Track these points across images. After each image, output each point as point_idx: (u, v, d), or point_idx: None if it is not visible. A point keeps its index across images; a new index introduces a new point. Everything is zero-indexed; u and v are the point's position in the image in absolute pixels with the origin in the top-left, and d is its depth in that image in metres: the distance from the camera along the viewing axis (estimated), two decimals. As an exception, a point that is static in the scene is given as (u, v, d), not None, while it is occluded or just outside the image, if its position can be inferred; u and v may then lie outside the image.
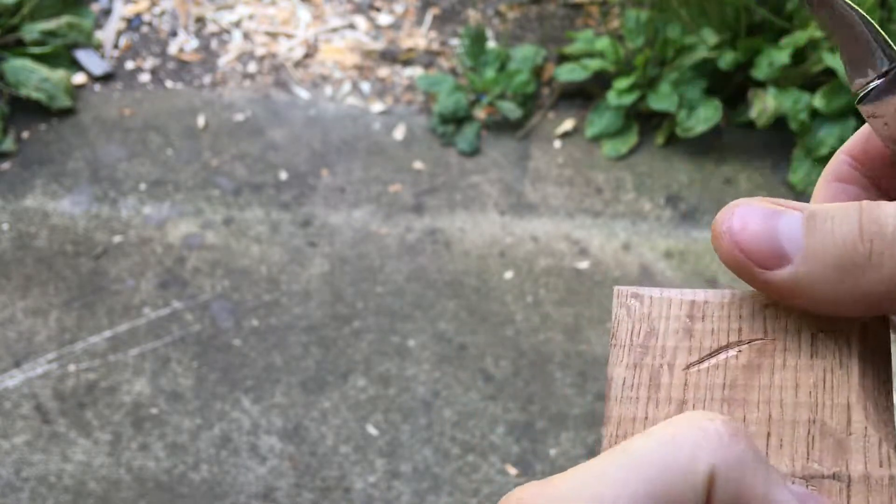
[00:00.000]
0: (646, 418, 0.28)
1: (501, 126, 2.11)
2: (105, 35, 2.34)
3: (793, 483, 0.26)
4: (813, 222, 0.26)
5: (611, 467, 0.23)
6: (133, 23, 2.39)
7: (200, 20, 2.41)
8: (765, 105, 1.92)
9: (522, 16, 2.40)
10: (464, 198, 1.97)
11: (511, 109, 2.08)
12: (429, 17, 2.41)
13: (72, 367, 1.69)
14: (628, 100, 2.01)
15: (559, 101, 2.17)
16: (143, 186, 1.99)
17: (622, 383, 0.29)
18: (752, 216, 0.26)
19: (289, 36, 2.37)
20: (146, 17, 2.41)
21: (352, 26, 2.40)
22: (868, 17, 0.30)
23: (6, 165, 2.04)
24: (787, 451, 0.27)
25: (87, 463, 1.57)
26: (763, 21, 2.00)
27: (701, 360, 0.29)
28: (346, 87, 2.24)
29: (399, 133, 2.12)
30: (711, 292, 0.30)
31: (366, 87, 2.24)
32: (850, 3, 0.30)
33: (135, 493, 1.54)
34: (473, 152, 2.07)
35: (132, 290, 1.81)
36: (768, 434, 0.27)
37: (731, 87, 2.05)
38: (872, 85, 0.29)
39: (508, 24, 2.37)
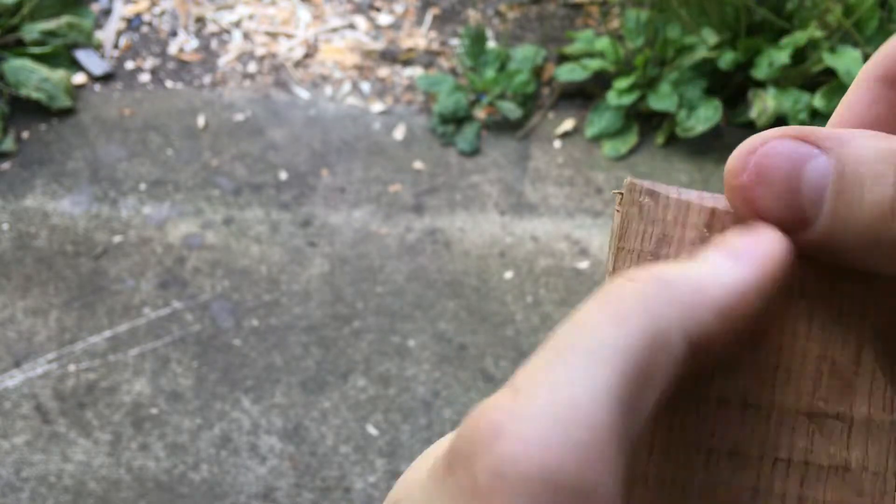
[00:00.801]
0: None
1: (501, 126, 2.11)
2: (105, 35, 2.34)
3: (796, 419, 0.25)
4: (842, 176, 0.23)
5: (577, 375, 0.20)
6: (133, 23, 2.39)
7: (200, 20, 2.41)
8: (765, 105, 1.92)
9: (522, 16, 2.40)
10: (464, 198, 1.97)
11: (511, 109, 2.08)
12: (429, 17, 2.41)
13: (72, 367, 1.69)
14: (628, 100, 2.01)
15: (559, 101, 2.17)
16: (143, 186, 1.99)
17: None
18: (772, 166, 0.23)
19: (289, 36, 2.37)
20: (146, 17, 2.41)
21: (352, 26, 2.40)
22: None
23: (6, 165, 2.04)
24: (793, 386, 0.25)
25: (87, 463, 1.57)
26: (763, 21, 2.00)
27: None
28: (346, 87, 2.24)
29: (399, 133, 2.12)
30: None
31: (366, 87, 2.24)
32: None
33: (135, 493, 1.54)
34: (473, 152, 2.07)
35: (132, 290, 1.81)
36: (777, 366, 0.25)
37: (731, 87, 2.05)
38: None
39: (508, 24, 2.37)
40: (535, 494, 0.19)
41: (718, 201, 0.26)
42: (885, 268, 0.23)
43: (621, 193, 0.27)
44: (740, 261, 0.23)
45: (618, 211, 0.27)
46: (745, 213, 0.24)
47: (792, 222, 0.23)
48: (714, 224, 0.26)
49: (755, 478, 0.25)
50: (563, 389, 0.20)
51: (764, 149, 0.23)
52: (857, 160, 0.23)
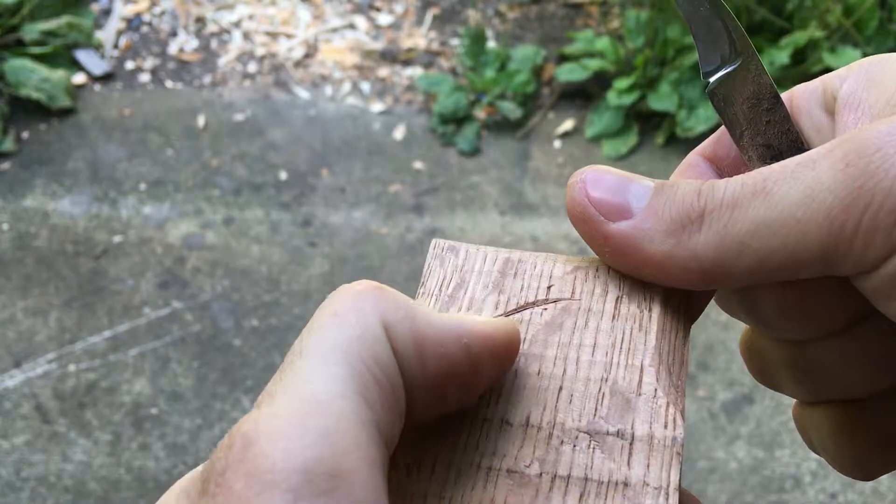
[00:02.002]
0: None
1: (501, 126, 2.11)
2: (105, 35, 2.34)
3: (577, 437, 0.26)
4: (661, 187, 0.28)
5: (312, 374, 0.22)
6: (133, 23, 2.39)
7: (200, 20, 2.41)
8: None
9: (522, 16, 2.40)
10: (464, 198, 1.97)
11: (511, 109, 2.08)
12: (429, 17, 2.42)
13: (72, 367, 1.69)
14: (628, 100, 2.01)
15: (559, 101, 2.17)
16: (143, 186, 1.99)
17: None
18: (608, 175, 0.28)
19: (289, 36, 2.37)
20: (146, 17, 2.41)
21: (352, 26, 2.40)
22: (722, 3, 0.30)
23: (6, 165, 2.04)
24: (575, 406, 0.27)
25: (87, 463, 1.57)
26: (763, 21, 2.00)
27: (506, 314, 0.29)
28: (346, 87, 2.24)
29: (399, 133, 2.12)
30: (529, 252, 0.30)
31: (366, 87, 2.24)
32: None
33: (135, 493, 1.54)
34: (473, 152, 2.07)
35: (132, 290, 1.81)
36: (560, 388, 0.27)
37: (731, 87, 2.05)
38: (720, 74, 0.31)
39: (508, 24, 2.37)
40: (295, 487, 0.20)
41: (514, 253, 0.30)
42: (686, 266, 0.27)
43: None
44: (463, 331, 0.26)
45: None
46: (581, 203, 0.28)
47: (617, 210, 0.28)
48: (507, 270, 0.30)
49: (534, 494, 0.26)
50: (303, 388, 0.22)
51: (595, 167, 0.29)
52: (672, 181, 0.28)
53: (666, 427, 0.27)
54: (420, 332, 0.25)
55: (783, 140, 0.30)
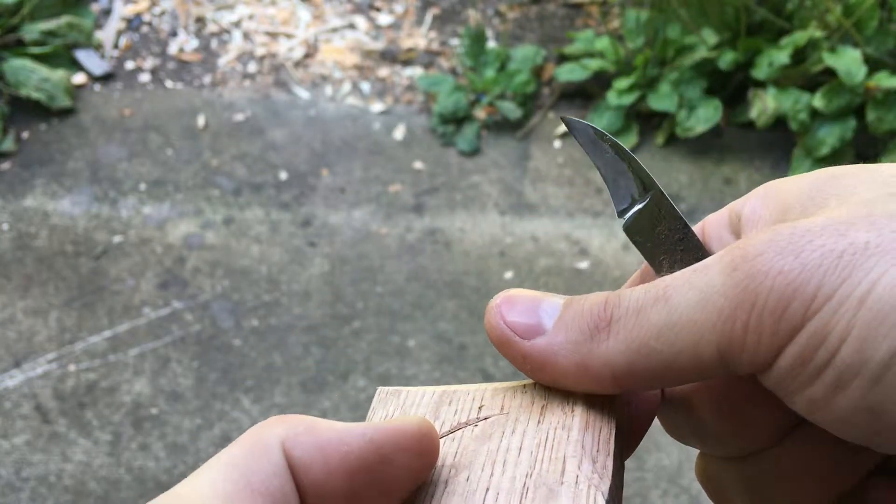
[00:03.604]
0: None
1: (501, 126, 2.11)
2: (105, 35, 2.34)
3: None
4: (570, 303, 0.30)
5: (199, 477, 0.25)
6: (133, 23, 2.39)
7: (200, 20, 2.41)
8: (765, 105, 1.93)
9: (522, 16, 2.40)
10: (464, 198, 1.97)
11: (511, 109, 2.08)
12: (429, 17, 2.41)
13: (72, 367, 1.69)
14: (628, 100, 2.01)
15: (559, 101, 2.17)
16: (143, 186, 1.99)
17: None
18: (521, 297, 0.30)
19: (289, 36, 2.37)
20: (146, 17, 2.41)
21: (352, 26, 2.40)
22: (623, 147, 0.33)
23: (6, 165, 2.04)
24: (501, 502, 0.28)
25: (87, 463, 1.57)
26: (763, 21, 2.00)
27: (441, 437, 0.31)
28: (346, 87, 2.24)
29: (399, 133, 2.12)
30: (465, 386, 0.33)
31: (366, 87, 2.24)
32: (602, 132, 0.33)
33: (135, 493, 1.54)
34: (473, 152, 2.07)
35: (132, 290, 1.81)
36: (487, 489, 0.29)
37: (731, 87, 2.05)
38: (633, 211, 0.33)
39: (508, 24, 2.37)
40: None
41: (451, 386, 0.32)
42: (599, 374, 0.29)
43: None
44: (369, 427, 0.28)
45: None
46: (499, 327, 0.30)
47: (531, 329, 0.30)
48: (443, 400, 0.32)
49: None
50: (184, 498, 0.24)
51: (509, 291, 0.31)
52: (580, 296, 0.30)
53: None
54: (323, 437, 0.26)
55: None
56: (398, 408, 0.32)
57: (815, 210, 0.28)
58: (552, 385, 0.30)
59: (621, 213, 0.33)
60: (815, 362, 0.25)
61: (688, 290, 0.27)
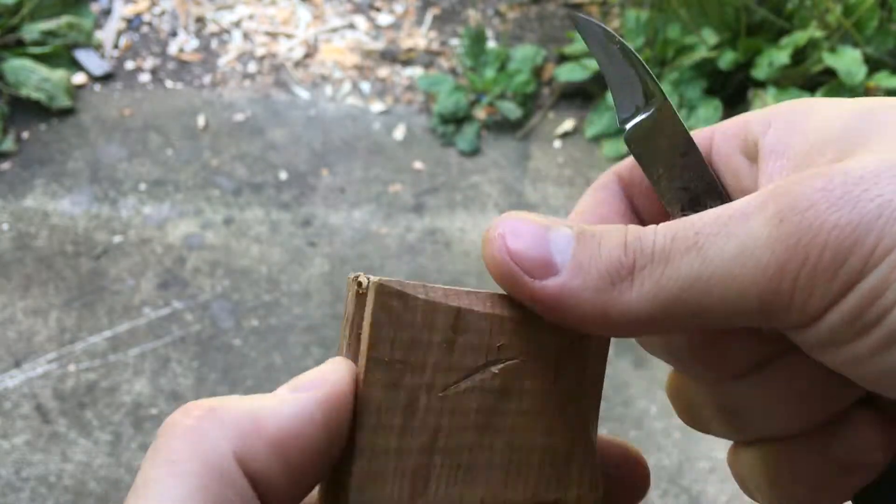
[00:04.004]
0: (398, 450, 0.26)
1: (501, 126, 2.11)
2: (105, 35, 2.34)
3: None
4: (582, 237, 0.26)
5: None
6: (133, 23, 2.39)
7: (200, 20, 2.41)
8: (765, 105, 1.93)
9: (522, 16, 2.40)
10: (464, 198, 1.97)
11: (511, 109, 2.08)
12: (429, 17, 2.41)
13: (72, 367, 1.69)
14: (628, 100, 2.01)
15: (559, 101, 2.17)
16: (143, 186, 1.99)
17: (378, 409, 0.26)
18: (524, 226, 0.27)
19: (289, 36, 2.37)
20: (146, 17, 2.41)
21: (352, 26, 2.40)
22: (633, 51, 0.31)
23: (6, 165, 2.04)
24: (521, 479, 0.27)
25: (87, 463, 1.57)
26: (763, 21, 2.00)
27: (458, 381, 0.27)
28: (346, 87, 2.24)
29: (399, 133, 2.12)
30: (475, 297, 0.28)
31: (366, 87, 2.24)
32: (612, 34, 0.31)
33: (135, 493, 1.54)
34: (473, 152, 2.07)
35: (132, 290, 1.81)
36: (510, 461, 0.27)
37: (731, 87, 2.05)
38: (636, 121, 0.31)
39: (508, 24, 2.37)
40: None
41: (461, 300, 0.28)
42: (619, 321, 0.26)
43: (359, 283, 0.27)
44: (300, 392, 0.25)
45: (354, 301, 0.27)
46: (503, 262, 0.27)
47: (542, 268, 0.26)
48: (459, 325, 0.27)
49: None
50: None
51: (517, 218, 0.27)
52: (592, 227, 0.27)
53: (591, 489, 0.28)
54: (274, 436, 0.24)
55: (699, 183, 0.31)
56: (408, 327, 0.27)
57: (855, 149, 0.26)
58: (565, 326, 0.27)
59: (623, 122, 0.31)
60: (864, 319, 0.24)
61: (725, 241, 0.25)
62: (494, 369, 0.28)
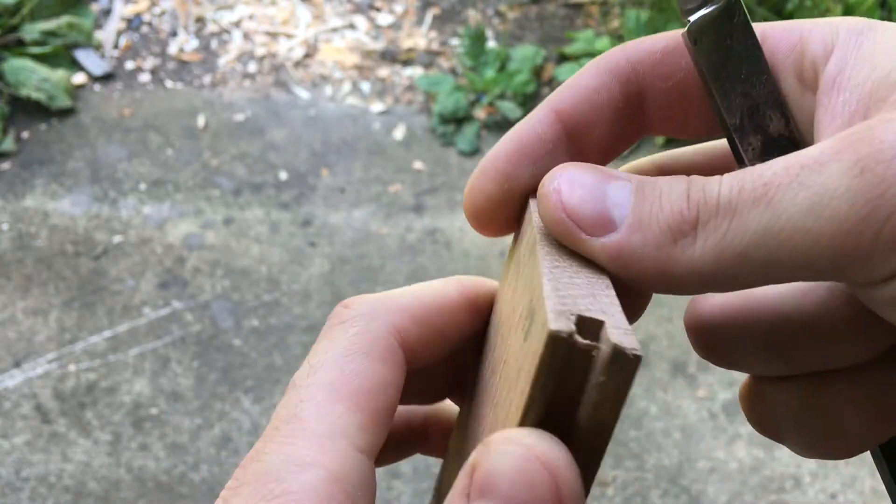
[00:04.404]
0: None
1: (501, 126, 2.11)
2: (105, 35, 2.34)
3: None
4: (642, 190, 0.25)
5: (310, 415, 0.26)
6: (133, 23, 2.39)
7: (200, 20, 2.41)
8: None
9: (522, 16, 2.40)
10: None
11: (511, 109, 2.08)
12: (429, 17, 2.41)
13: (72, 367, 1.69)
14: (628, 100, 2.01)
15: (559, 101, 2.17)
16: (143, 186, 1.99)
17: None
18: (581, 179, 0.25)
19: (289, 36, 2.37)
20: (146, 17, 2.41)
21: (352, 26, 2.40)
22: None
23: (6, 165, 2.04)
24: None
25: (87, 463, 1.57)
26: (763, 21, 2.00)
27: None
28: (346, 87, 2.24)
29: (399, 133, 2.12)
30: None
31: (366, 87, 2.24)
32: None
33: (135, 493, 1.54)
34: (473, 152, 2.07)
35: (132, 290, 1.81)
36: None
37: (731, 87, 2.05)
38: (701, 13, 0.28)
39: (508, 24, 2.37)
40: None
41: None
42: (683, 279, 0.25)
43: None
44: (449, 285, 0.30)
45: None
46: (558, 218, 0.25)
47: (600, 224, 0.25)
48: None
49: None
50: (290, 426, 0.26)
51: (574, 169, 0.26)
52: (652, 179, 0.25)
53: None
54: (410, 333, 0.29)
55: (761, 91, 0.28)
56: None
57: None
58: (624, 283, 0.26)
59: (687, 13, 0.28)
60: None
61: (797, 192, 0.23)
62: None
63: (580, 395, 0.23)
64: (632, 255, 0.25)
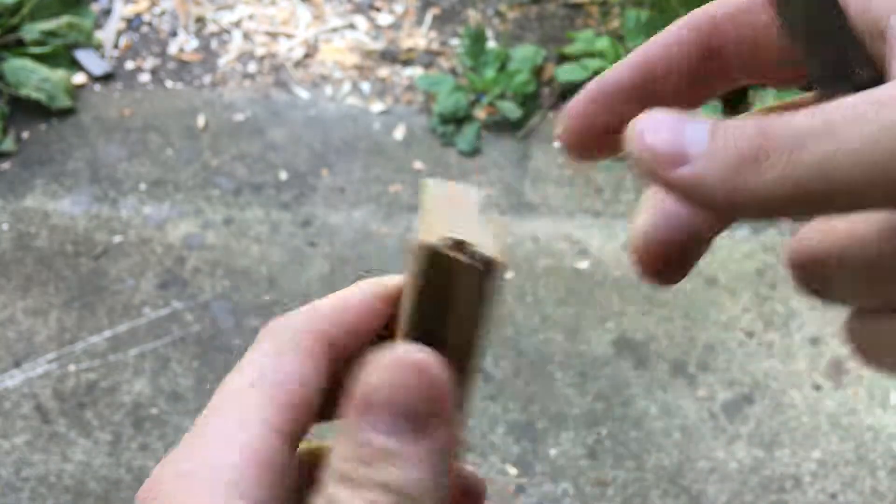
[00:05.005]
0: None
1: (501, 126, 2.11)
2: (105, 35, 2.34)
3: None
4: (716, 128, 0.27)
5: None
6: (133, 23, 2.39)
7: (200, 20, 2.41)
8: (765, 105, 1.93)
9: (522, 16, 2.40)
10: (464, 198, 1.97)
11: (511, 109, 2.08)
12: (429, 17, 2.41)
13: (72, 367, 1.69)
14: (628, 100, 2.01)
15: (559, 101, 2.17)
16: (143, 186, 1.99)
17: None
18: (664, 122, 0.27)
19: (289, 36, 2.37)
20: (146, 17, 2.41)
21: (352, 26, 2.40)
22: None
23: (6, 165, 2.04)
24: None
25: (87, 463, 1.57)
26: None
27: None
28: (346, 87, 2.24)
29: (399, 133, 2.12)
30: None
31: (366, 87, 2.24)
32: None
33: (135, 493, 1.53)
34: (473, 152, 2.07)
35: (132, 290, 1.81)
36: None
37: (732, 88, 2.05)
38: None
39: (508, 24, 2.37)
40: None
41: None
42: (750, 204, 0.26)
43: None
44: (361, 287, 0.33)
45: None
46: (642, 156, 0.27)
47: (677, 159, 0.27)
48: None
49: None
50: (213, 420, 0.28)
51: (652, 112, 0.28)
52: (728, 121, 0.27)
53: None
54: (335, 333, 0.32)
55: (848, 43, 0.28)
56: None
57: None
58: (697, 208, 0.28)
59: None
60: None
61: (862, 125, 0.24)
62: None
63: (452, 310, 0.26)
64: (701, 185, 0.26)
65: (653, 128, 0.27)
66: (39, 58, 2.17)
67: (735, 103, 2.07)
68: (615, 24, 2.29)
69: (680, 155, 0.27)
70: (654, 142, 0.27)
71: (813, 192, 0.25)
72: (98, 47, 2.29)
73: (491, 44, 2.26)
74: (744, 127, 0.26)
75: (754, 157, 0.26)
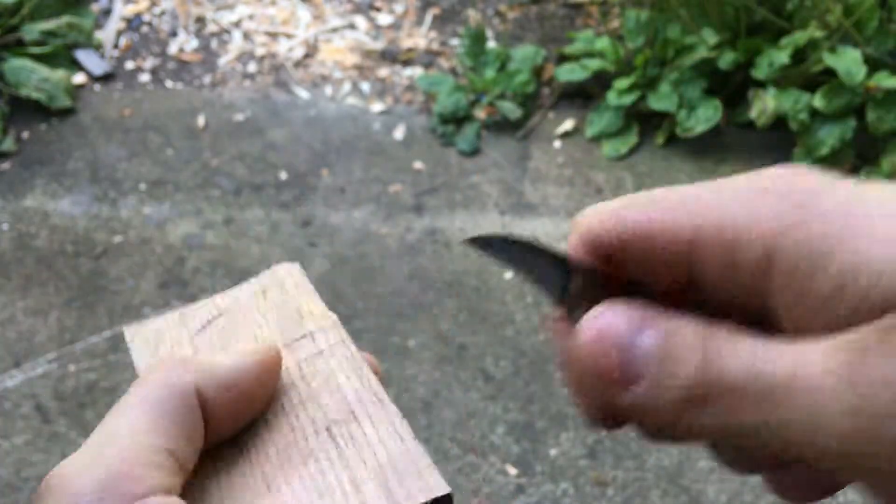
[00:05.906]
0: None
1: (501, 126, 2.11)
2: (105, 35, 2.34)
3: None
4: (664, 347, 0.26)
5: (116, 418, 0.32)
6: (133, 23, 2.39)
7: (200, 20, 2.41)
8: (765, 105, 1.92)
9: (522, 16, 2.40)
10: (464, 198, 1.97)
11: (511, 109, 2.08)
12: (429, 17, 2.41)
13: (72, 367, 1.69)
14: (628, 100, 2.01)
15: (559, 101, 2.17)
16: (143, 186, 1.99)
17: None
18: (613, 334, 0.26)
19: (289, 36, 2.37)
20: (146, 17, 2.41)
21: (352, 26, 2.40)
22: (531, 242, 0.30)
23: (6, 165, 2.04)
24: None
25: (87, 463, 1.57)
26: (763, 21, 2.00)
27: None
28: (346, 87, 2.24)
29: (399, 133, 2.12)
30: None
31: (366, 87, 2.24)
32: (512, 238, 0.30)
33: (135, 493, 1.54)
34: (473, 152, 2.07)
35: (132, 290, 1.81)
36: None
37: (731, 87, 2.05)
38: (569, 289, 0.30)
39: (508, 24, 2.37)
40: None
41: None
42: (690, 436, 0.27)
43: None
44: (243, 356, 0.36)
45: None
46: (586, 372, 0.27)
47: (623, 376, 0.26)
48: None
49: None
50: (102, 435, 0.31)
51: (607, 312, 0.27)
52: (679, 333, 0.26)
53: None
54: (223, 379, 0.34)
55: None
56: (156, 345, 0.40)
57: None
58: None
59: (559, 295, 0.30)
60: None
61: (798, 408, 0.24)
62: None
63: None
64: (647, 409, 0.26)
65: (601, 340, 0.26)
66: (39, 58, 2.17)
67: (735, 103, 2.07)
68: (615, 24, 2.29)
69: (628, 375, 0.26)
70: (603, 363, 0.26)
71: (754, 445, 0.25)
72: (98, 47, 2.29)
73: (491, 44, 2.26)
74: (690, 356, 0.25)
75: (699, 399, 0.25)
